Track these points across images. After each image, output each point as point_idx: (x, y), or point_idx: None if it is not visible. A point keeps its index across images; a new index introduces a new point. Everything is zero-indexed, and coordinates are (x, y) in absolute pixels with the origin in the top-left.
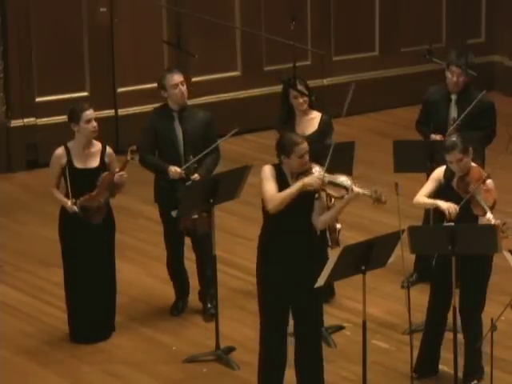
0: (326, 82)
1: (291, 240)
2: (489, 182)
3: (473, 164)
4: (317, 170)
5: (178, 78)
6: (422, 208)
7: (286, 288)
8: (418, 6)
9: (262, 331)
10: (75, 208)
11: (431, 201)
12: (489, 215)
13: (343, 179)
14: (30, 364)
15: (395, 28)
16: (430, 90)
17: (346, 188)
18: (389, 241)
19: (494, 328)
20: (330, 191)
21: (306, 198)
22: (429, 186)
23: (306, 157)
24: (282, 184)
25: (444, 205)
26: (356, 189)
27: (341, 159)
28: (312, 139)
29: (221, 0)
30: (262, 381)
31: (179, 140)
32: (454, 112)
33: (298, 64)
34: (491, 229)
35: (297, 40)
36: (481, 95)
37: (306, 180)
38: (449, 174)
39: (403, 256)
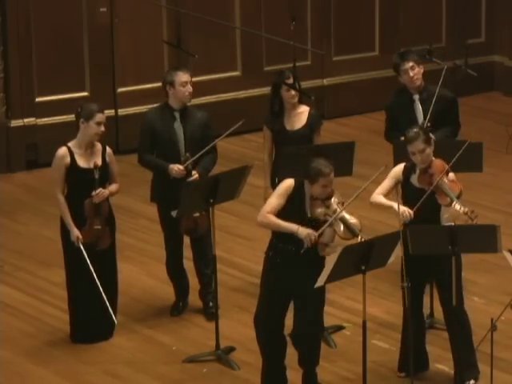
0: (325, 81)
1: (297, 247)
2: (451, 174)
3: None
4: (334, 201)
5: (187, 76)
6: (379, 208)
7: (287, 287)
8: (418, 6)
9: (257, 329)
10: (78, 243)
11: (388, 203)
12: (456, 205)
13: (355, 222)
14: (31, 364)
15: (395, 28)
16: (392, 96)
17: (353, 234)
18: (389, 241)
19: (493, 328)
20: (337, 228)
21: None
22: (385, 183)
23: (330, 187)
24: (296, 203)
25: (399, 208)
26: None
27: (341, 159)
28: (301, 134)
29: (221, 0)
30: (264, 379)
31: (180, 140)
32: (419, 111)
33: (297, 64)
34: (491, 229)
35: (297, 40)
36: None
37: (300, 231)
38: (407, 172)
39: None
